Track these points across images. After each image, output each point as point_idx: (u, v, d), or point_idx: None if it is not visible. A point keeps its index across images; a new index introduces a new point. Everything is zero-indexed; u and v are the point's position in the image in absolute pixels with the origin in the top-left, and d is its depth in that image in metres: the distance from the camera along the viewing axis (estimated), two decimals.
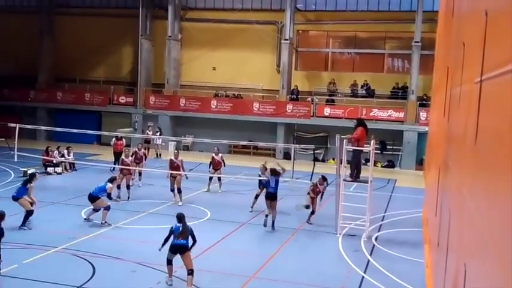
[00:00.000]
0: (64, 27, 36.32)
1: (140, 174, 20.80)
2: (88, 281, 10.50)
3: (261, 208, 15.91)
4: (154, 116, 33.35)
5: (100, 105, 34.73)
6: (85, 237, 13.39)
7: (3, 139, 21.63)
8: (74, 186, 20.16)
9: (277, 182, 15.36)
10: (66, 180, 22.09)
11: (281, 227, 15.16)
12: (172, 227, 10.68)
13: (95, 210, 14.88)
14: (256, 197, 17.25)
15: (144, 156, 21.72)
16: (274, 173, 15.57)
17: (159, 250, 10.52)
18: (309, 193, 15.90)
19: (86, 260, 11.73)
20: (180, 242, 10.48)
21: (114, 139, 24.42)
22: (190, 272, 10.27)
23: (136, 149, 21.45)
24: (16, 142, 19.67)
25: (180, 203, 17.50)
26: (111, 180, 15.71)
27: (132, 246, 12.98)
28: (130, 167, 18.90)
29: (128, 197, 18.14)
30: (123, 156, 19.70)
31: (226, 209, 17.68)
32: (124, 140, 24.52)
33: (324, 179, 16.40)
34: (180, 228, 10.54)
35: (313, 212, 16.01)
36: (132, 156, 20.37)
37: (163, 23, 33.97)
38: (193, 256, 12.32)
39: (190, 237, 10.58)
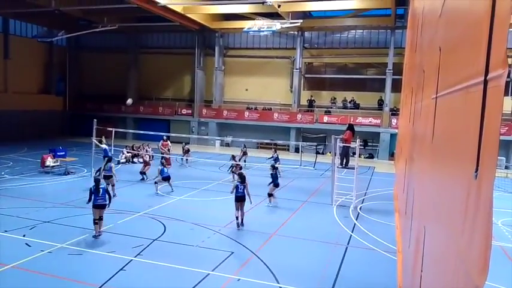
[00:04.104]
0: (144, 62, 36.72)
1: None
2: (161, 235, 10.67)
3: (279, 189, 15.82)
4: (206, 123, 33.67)
5: (169, 115, 35.01)
6: (158, 206, 13.58)
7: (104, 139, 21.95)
8: (152, 171, 20.42)
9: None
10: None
11: (293, 200, 15.11)
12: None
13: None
14: None
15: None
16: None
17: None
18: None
19: (159, 221, 11.90)
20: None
21: (161, 140, 21.96)
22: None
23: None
24: (113, 140, 20.06)
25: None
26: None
27: (190, 211, 13.09)
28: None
29: None
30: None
31: (254, 187, 17.57)
32: (169, 141, 22.40)
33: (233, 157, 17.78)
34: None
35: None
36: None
37: (211, 58, 34.04)
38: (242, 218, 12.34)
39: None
